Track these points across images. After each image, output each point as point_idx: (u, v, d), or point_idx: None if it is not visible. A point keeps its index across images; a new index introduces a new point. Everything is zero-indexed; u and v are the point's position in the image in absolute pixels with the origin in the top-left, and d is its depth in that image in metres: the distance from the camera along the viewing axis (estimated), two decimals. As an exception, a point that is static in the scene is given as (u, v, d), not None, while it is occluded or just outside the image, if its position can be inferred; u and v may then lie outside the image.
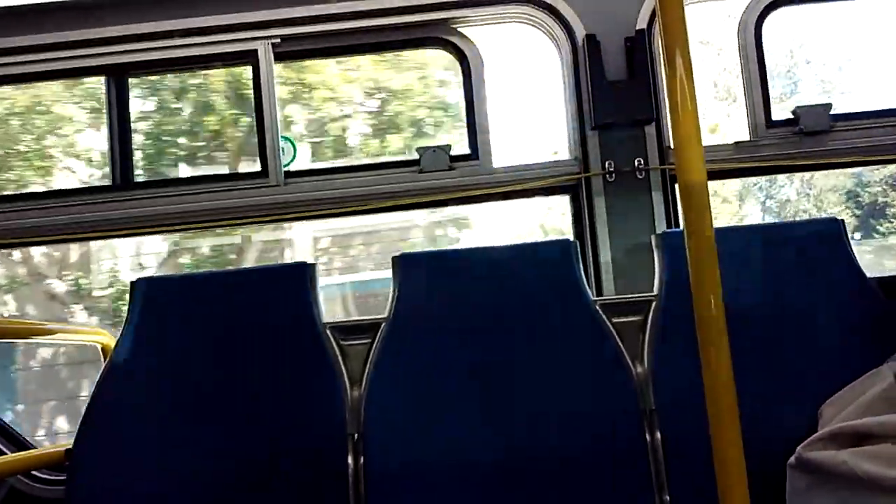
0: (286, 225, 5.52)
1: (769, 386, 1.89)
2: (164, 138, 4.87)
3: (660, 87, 2.51)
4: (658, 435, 1.86)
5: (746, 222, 7.01)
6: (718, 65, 7.26)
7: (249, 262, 5.68)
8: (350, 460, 1.87)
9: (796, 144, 2.50)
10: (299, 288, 2.06)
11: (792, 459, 1.68)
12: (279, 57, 2.63)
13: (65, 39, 2.62)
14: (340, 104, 5.07)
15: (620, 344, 1.95)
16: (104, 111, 2.69)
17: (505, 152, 2.62)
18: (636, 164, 2.44)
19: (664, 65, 1.22)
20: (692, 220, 1.17)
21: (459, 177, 2.54)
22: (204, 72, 3.64)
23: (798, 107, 2.50)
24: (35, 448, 2.36)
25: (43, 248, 5.64)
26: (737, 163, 2.50)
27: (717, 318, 1.15)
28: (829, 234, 2.07)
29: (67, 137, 5.33)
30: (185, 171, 4.95)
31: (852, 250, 2.05)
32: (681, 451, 1.84)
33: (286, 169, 2.59)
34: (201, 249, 5.90)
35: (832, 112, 2.49)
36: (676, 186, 2.45)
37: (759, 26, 2.57)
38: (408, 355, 1.97)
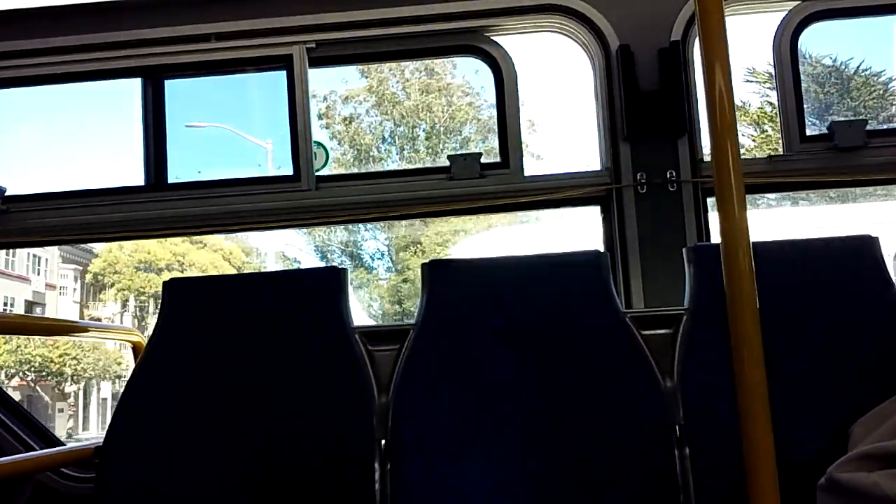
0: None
1: (799, 403, 1.87)
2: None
3: (693, 99, 2.50)
4: (686, 450, 1.84)
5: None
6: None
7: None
8: (377, 466, 1.87)
9: (831, 160, 2.47)
10: (330, 292, 2.07)
11: (822, 481, 1.65)
12: (314, 62, 2.65)
13: (102, 41, 2.66)
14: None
15: (650, 358, 1.94)
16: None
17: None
18: (668, 176, 2.43)
19: (704, 76, 1.22)
20: (730, 234, 1.16)
21: (490, 185, 2.54)
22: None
23: (833, 122, 2.48)
24: (64, 445, 2.39)
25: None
26: (770, 177, 2.48)
27: (753, 332, 1.14)
28: (863, 250, 2.04)
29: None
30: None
31: (887, 268, 2.02)
32: (709, 467, 1.82)
33: (318, 174, 2.61)
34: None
35: (868, 128, 2.47)
36: (709, 200, 2.44)
37: (794, 40, 2.55)
38: (436, 363, 1.96)
